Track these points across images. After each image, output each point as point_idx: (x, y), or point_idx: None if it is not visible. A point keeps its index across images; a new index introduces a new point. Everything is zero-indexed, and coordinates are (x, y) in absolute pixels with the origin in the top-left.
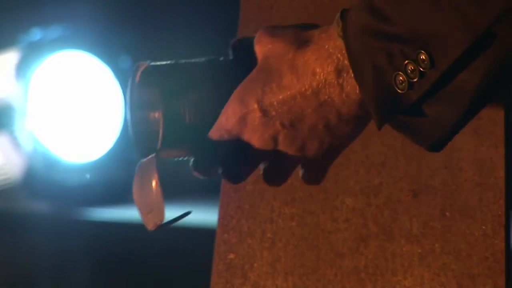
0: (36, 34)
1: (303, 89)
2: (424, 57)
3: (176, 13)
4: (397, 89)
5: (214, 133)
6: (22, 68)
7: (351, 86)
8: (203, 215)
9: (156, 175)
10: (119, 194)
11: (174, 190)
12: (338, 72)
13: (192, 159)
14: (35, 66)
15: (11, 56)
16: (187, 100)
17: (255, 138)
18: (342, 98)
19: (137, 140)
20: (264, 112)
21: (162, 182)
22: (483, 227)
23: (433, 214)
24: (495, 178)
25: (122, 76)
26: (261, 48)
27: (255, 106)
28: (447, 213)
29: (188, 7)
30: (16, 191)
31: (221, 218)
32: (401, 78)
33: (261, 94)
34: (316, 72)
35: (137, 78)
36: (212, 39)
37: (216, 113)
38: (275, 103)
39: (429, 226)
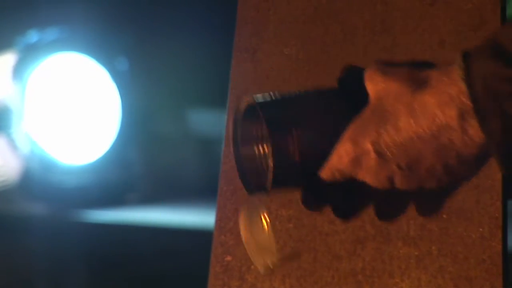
0: (33, 36)
1: (422, 132)
2: None
3: (172, 15)
4: None
5: (325, 173)
6: (19, 70)
7: (475, 129)
8: (200, 217)
9: (266, 215)
10: (116, 196)
11: (171, 192)
12: (462, 115)
13: (301, 193)
14: (32, 68)
15: (8, 58)
16: (296, 136)
17: (370, 179)
18: (464, 141)
19: (244, 177)
20: (379, 153)
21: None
22: (480, 229)
23: (430, 216)
24: (492, 180)
25: (118, 78)
26: (373, 86)
27: (370, 147)
28: (444, 215)
29: (185, 9)
30: (14, 193)
31: (218, 220)
32: None
33: (375, 135)
34: (437, 115)
35: (242, 113)
36: (209, 41)
37: (325, 149)
38: (391, 145)
39: (426, 228)
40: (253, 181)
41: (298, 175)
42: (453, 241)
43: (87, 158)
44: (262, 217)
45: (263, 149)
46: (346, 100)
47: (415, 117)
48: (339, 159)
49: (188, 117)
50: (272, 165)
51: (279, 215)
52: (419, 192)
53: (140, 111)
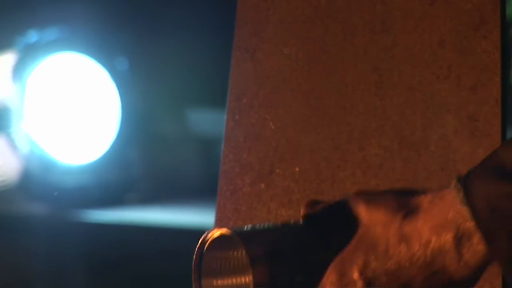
0: (33, 36)
1: (414, 258)
2: None
3: (172, 15)
4: None
5: None
6: (19, 70)
7: (472, 253)
8: (200, 217)
9: None
10: (116, 196)
11: (171, 192)
12: (458, 239)
13: None
14: (32, 68)
15: (8, 58)
16: (276, 268)
17: None
18: (459, 265)
19: None
20: (368, 282)
21: None
22: None
23: None
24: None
25: (118, 78)
26: (359, 217)
27: (357, 276)
28: None
29: (185, 9)
30: (13, 193)
31: (218, 220)
32: None
33: (363, 264)
34: (431, 240)
35: (210, 242)
36: (209, 41)
37: (307, 282)
38: (380, 272)
39: None
40: None
41: None
42: None
43: (87, 158)
44: None
45: (246, 279)
46: (318, 234)
47: (407, 243)
48: None
49: (187, 117)
50: None
51: (279, 215)
52: None
53: (140, 111)
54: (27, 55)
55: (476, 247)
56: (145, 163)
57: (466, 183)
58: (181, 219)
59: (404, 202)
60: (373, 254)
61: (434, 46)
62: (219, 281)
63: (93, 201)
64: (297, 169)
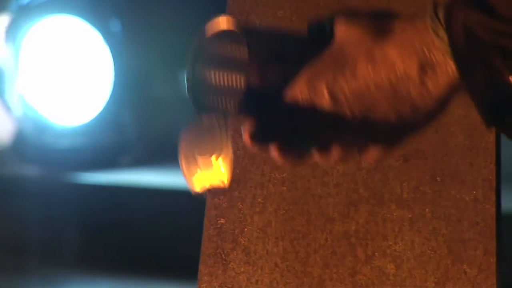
0: None
1: (379, 80)
2: None
3: None
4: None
5: (279, 108)
6: (12, 32)
7: (433, 82)
8: None
9: (229, 139)
10: (110, 158)
11: (164, 154)
12: (422, 67)
13: (251, 130)
14: (25, 31)
15: (1, 21)
16: (272, 68)
17: (321, 122)
18: (421, 93)
19: (197, 97)
20: (333, 97)
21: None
22: (474, 192)
23: (423, 179)
24: (486, 142)
25: (111, 40)
26: (337, 33)
27: (325, 91)
28: (438, 178)
29: None
30: (7, 155)
31: None
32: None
33: (331, 79)
34: (397, 65)
35: (214, 33)
36: (203, 3)
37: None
38: (346, 90)
39: (419, 191)
40: (207, 104)
41: (262, 103)
42: (447, 204)
43: (80, 120)
44: (221, 140)
45: (231, 74)
46: (318, 46)
47: (374, 65)
48: (293, 99)
49: (181, 79)
50: (244, 84)
51: (273, 177)
52: (368, 139)
53: (133, 73)
54: (21, 17)
55: (440, 79)
56: (139, 125)
57: (447, 12)
58: (175, 181)
59: (379, 25)
60: (341, 72)
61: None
62: (213, 72)
63: (86, 163)
64: None
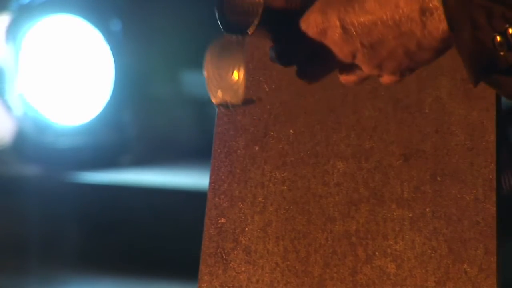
0: None
1: (385, 18)
2: None
3: None
4: (496, 49)
5: (295, 34)
6: (13, 31)
7: (434, 26)
8: (194, 179)
9: (242, 57)
10: (110, 158)
11: (165, 154)
12: (423, 11)
13: (274, 46)
14: (26, 30)
15: (2, 20)
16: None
17: (334, 50)
18: (424, 33)
19: (223, 15)
20: (345, 29)
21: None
22: (474, 191)
23: (424, 178)
24: (486, 142)
25: (112, 39)
26: None
27: (337, 22)
28: (438, 178)
29: None
30: (7, 154)
31: (212, 182)
32: (499, 39)
33: (343, 11)
34: (400, 6)
35: None
36: (203, 2)
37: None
38: (356, 23)
39: (420, 190)
40: (232, 22)
41: (282, 21)
42: (447, 203)
43: (81, 119)
44: (237, 57)
45: None
46: None
47: (380, 3)
48: (307, 27)
49: (182, 79)
50: (262, 7)
51: (273, 177)
52: (379, 71)
53: (134, 73)
54: (21, 17)
55: (438, 23)
56: (139, 124)
57: None
58: (175, 180)
59: None
60: (352, 6)
61: None
62: None
63: (87, 162)
64: (291, 131)
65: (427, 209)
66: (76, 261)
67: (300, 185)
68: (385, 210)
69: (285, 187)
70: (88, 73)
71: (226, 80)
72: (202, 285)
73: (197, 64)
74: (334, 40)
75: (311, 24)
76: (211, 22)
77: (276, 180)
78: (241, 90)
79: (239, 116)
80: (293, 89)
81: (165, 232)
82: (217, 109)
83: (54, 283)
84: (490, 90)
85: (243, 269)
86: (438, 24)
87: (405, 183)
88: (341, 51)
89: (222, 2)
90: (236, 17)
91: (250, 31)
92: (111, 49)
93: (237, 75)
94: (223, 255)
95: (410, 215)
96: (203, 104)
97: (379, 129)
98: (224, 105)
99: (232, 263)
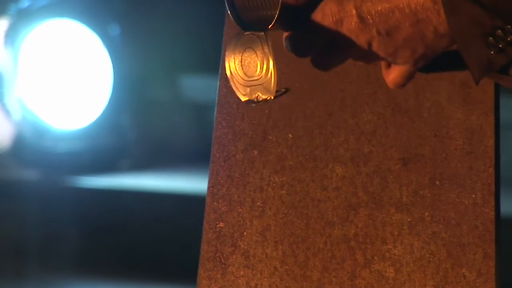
0: (25, 2)
1: (401, 5)
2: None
3: None
4: (489, 49)
5: (310, 25)
6: (11, 36)
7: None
8: (193, 183)
9: (269, 50)
10: (109, 162)
11: (164, 158)
12: (434, 1)
13: (290, 36)
14: (25, 34)
15: (1, 24)
16: None
17: (350, 39)
18: (439, 20)
19: (237, 14)
20: (361, 18)
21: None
22: (473, 195)
23: (422, 182)
24: (485, 146)
25: (111, 43)
26: None
27: (353, 11)
28: (437, 182)
29: None
30: (6, 158)
31: (210, 186)
32: (491, 39)
33: (359, 1)
34: None
35: None
36: (202, 6)
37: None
38: (373, 12)
39: (418, 194)
40: (249, 18)
41: (297, 15)
42: (446, 208)
43: (80, 123)
44: (264, 52)
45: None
46: None
47: None
48: (323, 17)
49: (180, 83)
50: (281, 5)
51: (272, 181)
52: (393, 59)
53: (133, 77)
54: (20, 21)
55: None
56: (138, 128)
57: None
58: (174, 185)
59: None
60: None
61: None
62: None
63: (85, 166)
64: (290, 135)
65: (426, 213)
66: (75, 265)
67: (299, 189)
68: (383, 214)
69: (284, 191)
70: (87, 77)
71: (254, 76)
72: None
73: (196, 68)
74: (350, 29)
75: (326, 14)
76: (210, 26)
77: (274, 184)
78: (273, 84)
79: (238, 120)
80: (291, 94)
81: (164, 236)
82: (215, 114)
83: (53, 287)
84: (489, 94)
85: (241, 273)
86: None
87: (403, 187)
88: (357, 40)
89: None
90: (250, 13)
91: (270, 26)
92: (110, 54)
93: (266, 69)
94: (222, 259)
95: (409, 219)
96: (201, 108)
97: (378, 133)
98: (255, 101)
99: (230, 267)
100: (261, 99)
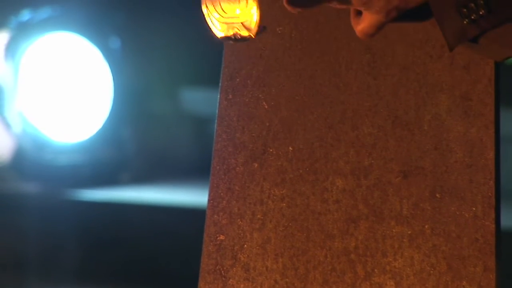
0: (25, 15)
1: None
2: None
3: None
4: (462, 19)
5: None
6: (12, 49)
7: None
8: (193, 196)
9: None
10: (109, 175)
11: (164, 171)
12: None
13: None
14: (25, 47)
15: (1, 37)
16: None
17: None
18: None
19: None
20: None
21: None
22: (473, 208)
23: (423, 195)
24: (485, 159)
25: (111, 56)
26: None
27: None
28: (437, 195)
29: None
30: (6, 171)
31: (211, 199)
32: (465, 11)
33: None
34: None
35: None
36: (202, 20)
37: None
38: None
39: (419, 207)
40: None
41: None
42: (446, 221)
43: (80, 136)
44: None
45: None
46: None
47: None
48: None
49: (180, 96)
50: None
51: (272, 194)
52: (365, 10)
53: (133, 90)
54: (20, 34)
55: None
56: (138, 142)
57: None
58: (174, 198)
59: None
60: None
61: (427, 26)
62: None
63: (86, 179)
64: (290, 148)
65: (426, 226)
66: (75, 278)
67: (299, 202)
68: (384, 227)
69: (284, 204)
70: (87, 91)
71: (233, 12)
72: None
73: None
74: None
75: None
76: (210, 40)
77: (275, 197)
78: (256, 21)
79: (238, 133)
80: (292, 106)
81: (164, 249)
82: (215, 127)
83: None
84: (489, 106)
85: (242, 286)
86: None
87: (404, 200)
88: None
89: None
90: None
91: None
92: (110, 67)
93: (249, 6)
94: (222, 272)
95: (409, 232)
96: (202, 121)
97: (378, 146)
98: (233, 39)
99: (231, 280)
100: (240, 37)
